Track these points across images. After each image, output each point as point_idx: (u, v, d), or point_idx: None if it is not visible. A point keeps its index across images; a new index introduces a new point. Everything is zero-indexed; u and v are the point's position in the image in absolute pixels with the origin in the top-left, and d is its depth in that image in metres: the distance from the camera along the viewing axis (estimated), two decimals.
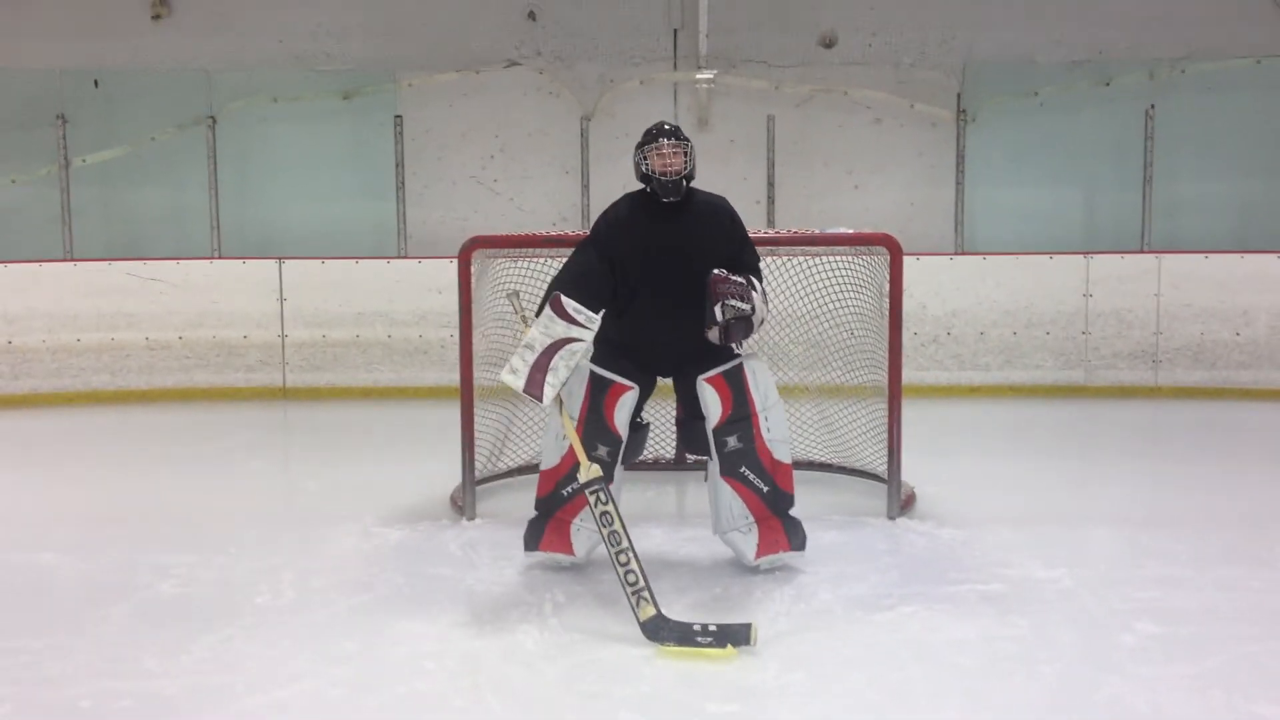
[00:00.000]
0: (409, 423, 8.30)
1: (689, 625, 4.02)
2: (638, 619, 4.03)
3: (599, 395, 4.67)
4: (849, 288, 6.11)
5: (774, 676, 3.72)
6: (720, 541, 4.84)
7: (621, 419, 4.69)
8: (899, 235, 5.70)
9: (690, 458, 5.89)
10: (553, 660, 3.85)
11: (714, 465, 4.75)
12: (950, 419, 8.29)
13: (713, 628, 3.97)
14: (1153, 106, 9.50)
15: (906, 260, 5.75)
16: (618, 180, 9.82)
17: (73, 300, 9.19)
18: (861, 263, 6.01)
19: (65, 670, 3.79)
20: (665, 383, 5.04)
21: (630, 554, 4.18)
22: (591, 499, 4.31)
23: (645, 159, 4.73)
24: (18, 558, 5.08)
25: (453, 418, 5.74)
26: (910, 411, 5.82)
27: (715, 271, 4.58)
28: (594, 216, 9.60)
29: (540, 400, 4.45)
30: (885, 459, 5.68)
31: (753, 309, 4.56)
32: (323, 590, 4.56)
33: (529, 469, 6.30)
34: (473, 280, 5.75)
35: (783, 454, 4.75)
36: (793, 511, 4.79)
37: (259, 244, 9.82)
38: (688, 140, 4.78)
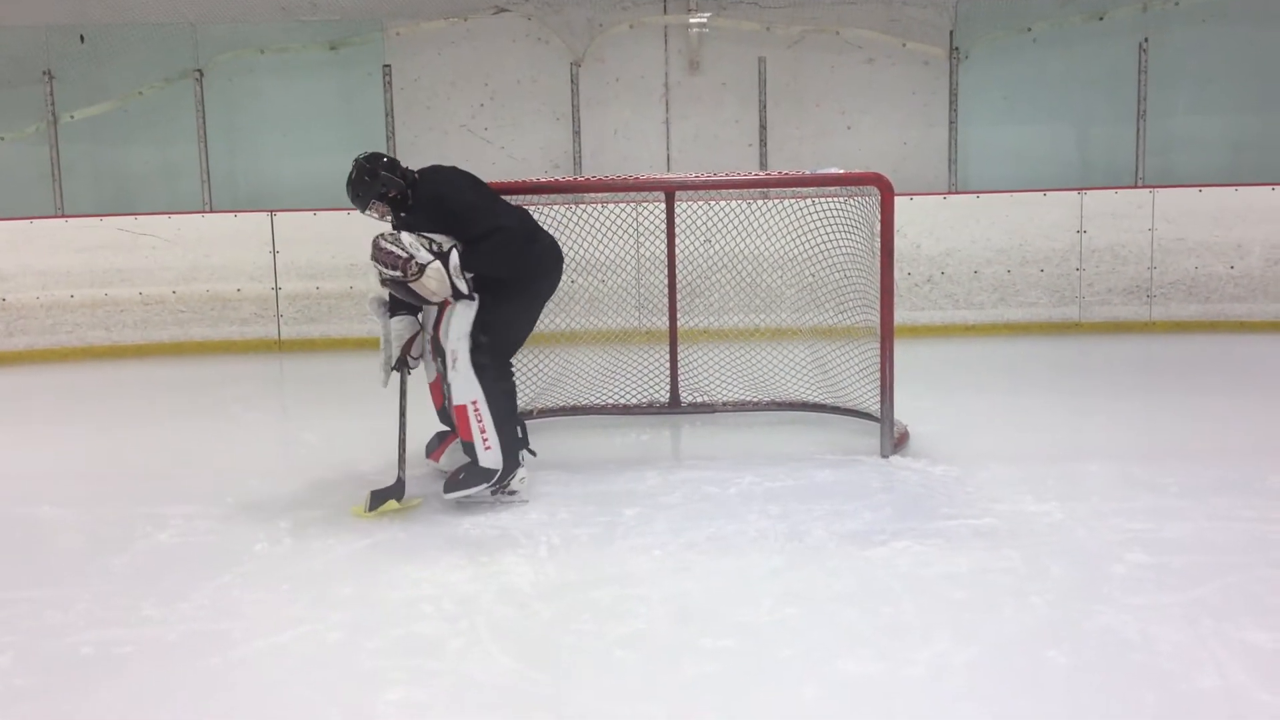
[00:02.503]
0: None
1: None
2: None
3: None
4: (842, 229, 6.10)
5: (768, 611, 3.75)
6: (707, 484, 4.98)
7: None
8: (892, 175, 5.67)
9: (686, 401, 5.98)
10: (548, 601, 3.89)
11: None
12: (945, 358, 8.31)
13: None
14: (1146, 40, 9.43)
15: (900, 200, 5.74)
16: (608, 125, 9.86)
17: (65, 256, 9.17)
18: (854, 203, 6.00)
19: (66, 619, 3.83)
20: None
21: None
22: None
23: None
24: (17, 511, 5.12)
25: None
26: (904, 351, 5.84)
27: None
28: (586, 162, 9.68)
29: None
30: (878, 398, 5.70)
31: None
32: (320, 537, 4.59)
33: (523, 415, 6.32)
34: None
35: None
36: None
37: (250, 197, 9.80)
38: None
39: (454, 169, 5.35)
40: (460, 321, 5.00)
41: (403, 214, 5.24)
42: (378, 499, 4.89)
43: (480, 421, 4.95)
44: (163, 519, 4.85)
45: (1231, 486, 4.92)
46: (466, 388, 4.99)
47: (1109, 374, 7.86)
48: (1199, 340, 8.75)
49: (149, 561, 4.40)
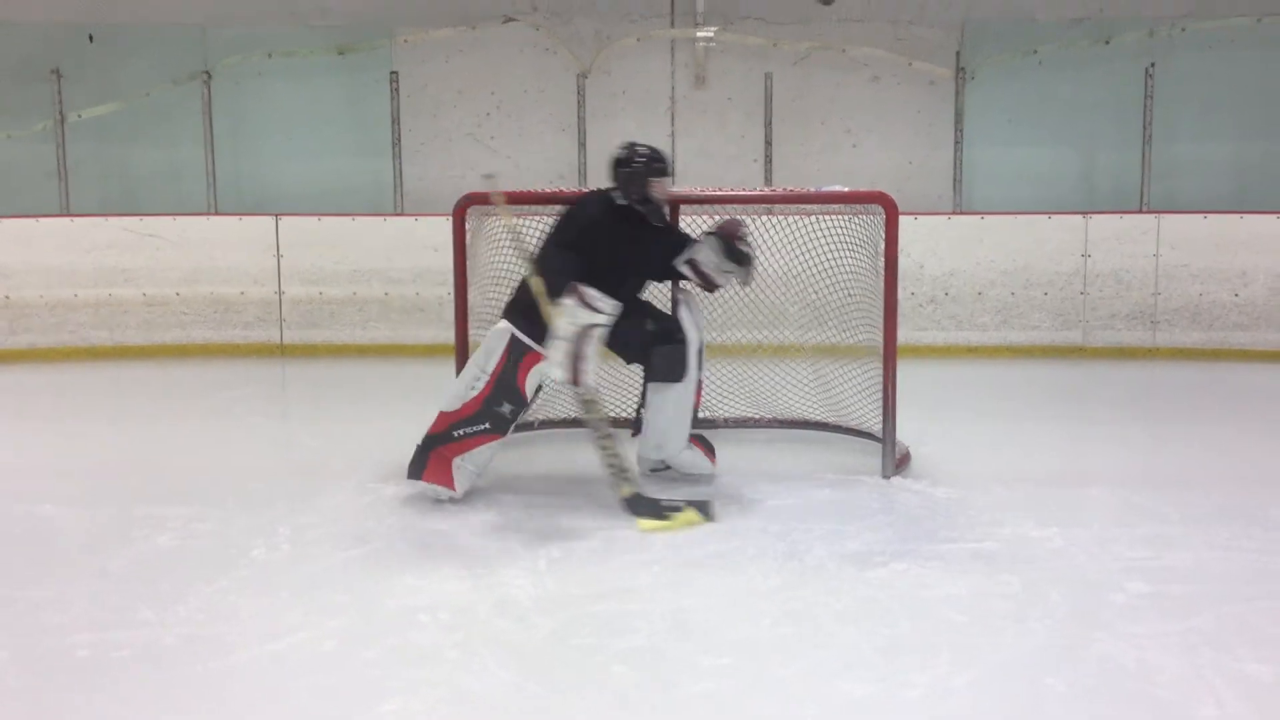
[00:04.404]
0: (405, 380, 8.30)
1: (658, 502, 4.86)
2: (618, 496, 4.83)
3: (516, 358, 5.02)
4: (846, 247, 6.09)
5: (767, 630, 3.75)
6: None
7: (531, 384, 5.07)
8: (897, 195, 5.67)
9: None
10: (546, 614, 3.88)
11: (665, 391, 5.29)
12: (947, 379, 8.31)
13: (680, 503, 4.82)
14: (1153, 65, 9.44)
15: (904, 220, 5.74)
16: (613, 138, 9.77)
17: (70, 255, 9.18)
18: (858, 222, 6.00)
19: (63, 620, 3.82)
20: None
21: (613, 440, 4.93)
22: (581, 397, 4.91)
23: (648, 185, 5.24)
24: (17, 509, 5.11)
25: (448, 376, 5.72)
26: (907, 371, 5.83)
27: (727, 219, 5.40)
28: (591, 174, 9.68)
29: (578, 385, 4.83)
30: (880, 418, 5.69)
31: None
32: (318, 544, 4.58)
33: (524, 426, 6.32)
34: (468, 237, 5.73)
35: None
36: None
37: (255, 200, 9.81)
38: None
39: (593, 203, 5.44)
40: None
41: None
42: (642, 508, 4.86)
43: None
44: (162, 521, 4.84)
45: (1232, 516, 4.91)
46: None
47: (1112, 399, 7.86)
48: (1202, 368, 8.75)
49: (147, 563, 4.39)
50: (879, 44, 9.83)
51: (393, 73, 9.75)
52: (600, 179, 9.65)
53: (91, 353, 9.17)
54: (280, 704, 3.27)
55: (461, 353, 5.70)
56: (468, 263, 5.74)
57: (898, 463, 5.63)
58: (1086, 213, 9.20)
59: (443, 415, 5.11)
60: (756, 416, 6.48)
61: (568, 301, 4.79)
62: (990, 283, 9.12)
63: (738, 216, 5.26)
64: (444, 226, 6.17)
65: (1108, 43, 9.69)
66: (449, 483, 5.07)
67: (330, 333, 9.31)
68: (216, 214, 9.55)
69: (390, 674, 3.43)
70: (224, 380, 8.32)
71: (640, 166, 5.24)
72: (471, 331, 5.77)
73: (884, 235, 5.61)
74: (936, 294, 9.15)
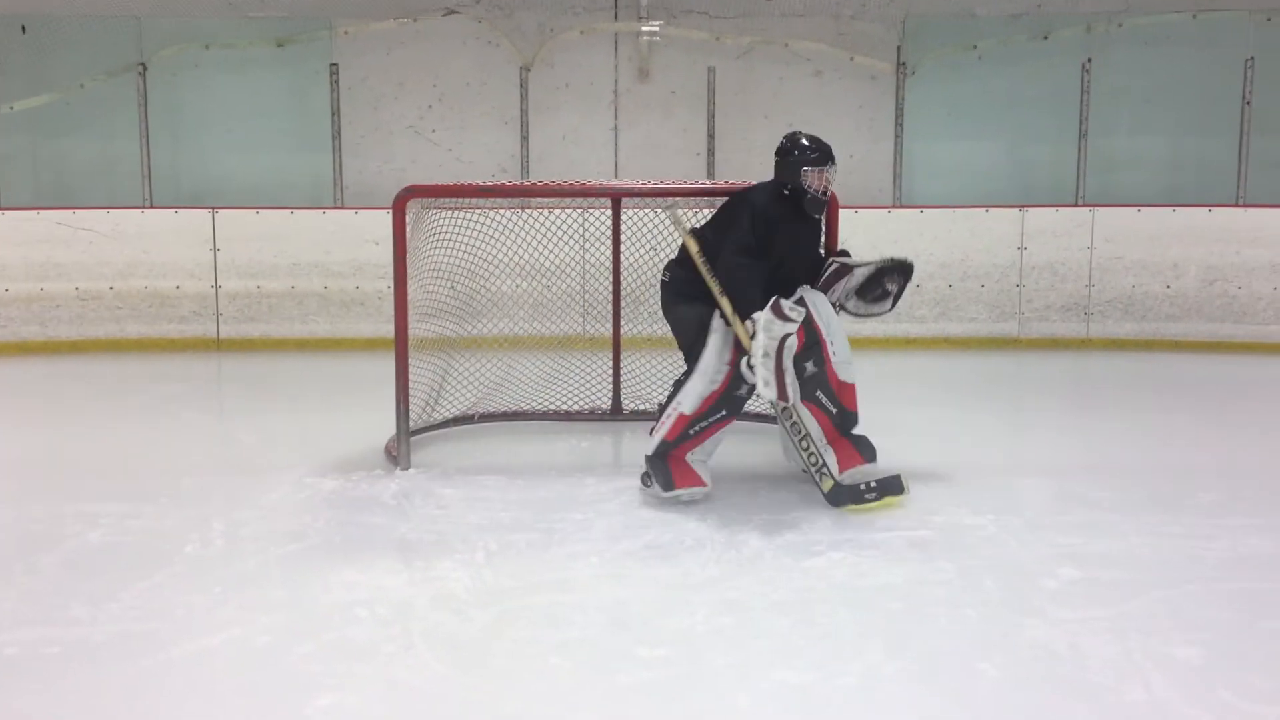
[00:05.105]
0: (345, 374, 8.25)
1: (856, 487, 4.90)
2: (822, 491, 4.92)
3: (735, 344, 5.03)
4: None
5: (703, 620, 3.76)
6: (646, 492, 4.99)
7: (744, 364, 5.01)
8: (838, 189, 5.70)
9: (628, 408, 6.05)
10: (484, 607, 3.86)
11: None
12: (885, 371, 8.35)
13: (874, 483, 4.90)
14: (1089, 60, 9.56)
15: (845, 213, 5.79)
16: (557, 131, 9.85)
17: (1, 250, 9.02)
18: None
19: None
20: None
21: (809, 440, 4.98)
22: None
23: (808, 174, 5.14)
24: None
25: (389, 370, 5.71)
26: None
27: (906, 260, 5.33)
28: (533, 167, 9.64)
29: (787, 401, 4.87)
30: None
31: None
32: (254, 539, 4.54)
33: (464, 420, 6.33)
34: (408, 230, 5.70)
35: (847, 374, 5.23)
36: (856, 430, 5.25)
37: (192, 194, 9.70)
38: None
39: (761, 192, 5.34)
40: (826, 303, 5.25)
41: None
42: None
43: None
44: (93, 518, 4.77)
45: (1163, 503, 5.00)
46: (848, 368, 5.27)
47: (1046, 390, 7.97)
48: (1134, 358, 8.88)
49: (78, 561, 4.32)
50: (821, 39, 9.88)
51: (333, 65, 9.67)
52: (542, 173, 9.71)
53: (22, 348, 9.03)
54: (214, 700, 3.24)
55: (402, 345, 5.65)
56: (408, 256, 5.70)
57: None
58: (1023, 206, 9.30)
59: (682, 418, 5.06)
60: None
61: (763, 316, 4.80)
62: (929, 275, 9.19)
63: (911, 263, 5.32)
64: (384, 220, 6.12)
65: (1046, 38, 9.80)
66: (699, 481, 5.02)
67: (268, 327, 9.22)
68: (152, 207, 9.42)
69: (326, 669, 3.40)
70: (159, 375, 8.22)
71: (797, 156, 5.18)
72: (411, 325, 5.73)
73: (825, 228, 5.63)
74: None
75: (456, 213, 6.12)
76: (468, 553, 4.38)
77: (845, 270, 5.30)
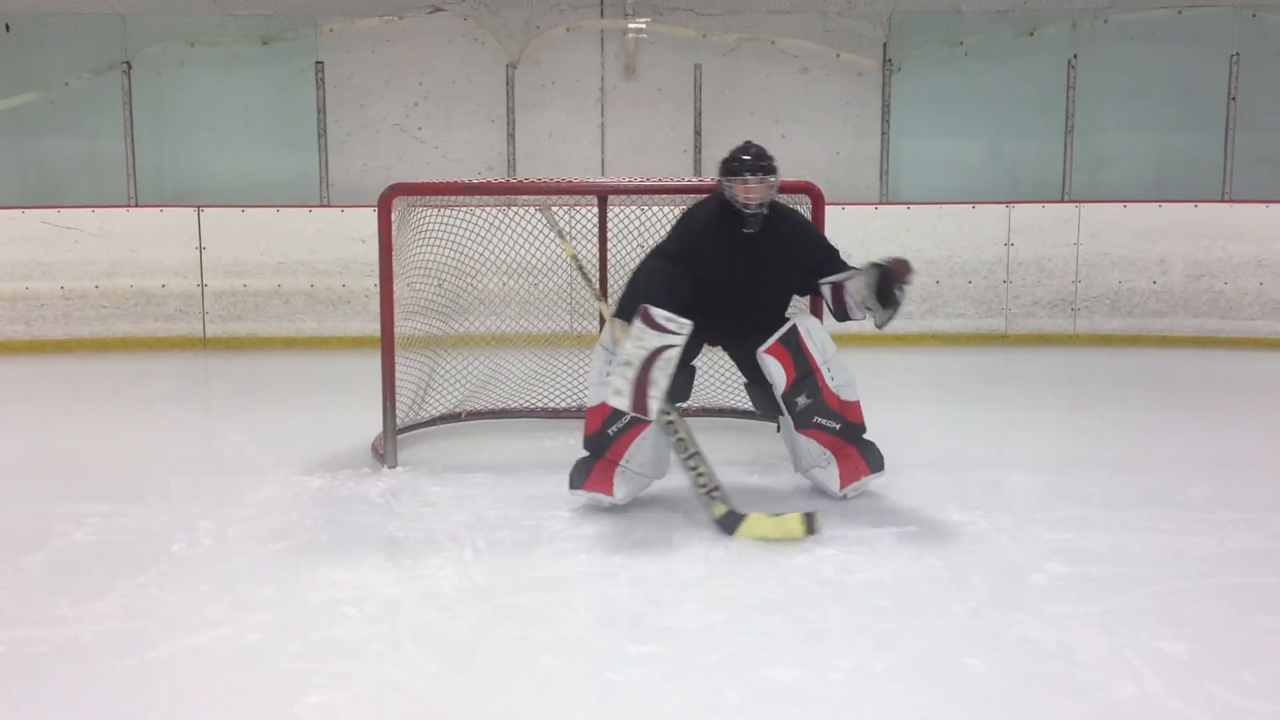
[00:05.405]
0: (332, 373, 8.23)
1: (759, 515, 4.49)
2: (712, 516, 4.54)
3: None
4: None
5: (693, 618, 3.75)
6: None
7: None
8: (825, 185, 5.72)
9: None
10: (472, 605, 3.85)
11: (786, 420, 4.96)
12: (873, 368, 8.29)
13: (781, 512, 4.49)
14: (1075, 57, 9.59)
15: (832, 210, 5.78)
16: (543, 128, 9.83)
17: None
18: None
19: None
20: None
21: (699, 459, 4.61)
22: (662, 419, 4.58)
23: (731, 186, 4.78)
24: None
25: (375, 368, 5.69)
26: None
27: (899, 259, 4.85)
28: (520, 165, 9.62)
29: (647, 417, 4.51)
30: None
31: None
32: (241, 538, 4.52)
33: (451, 418, 6.31)
34: (394, 228, 5.69)
35: (849, 394, 4.95)
36: (866, 436, 5.00)
37: (177, 193, 9.68)
38: (774, 170, 4.83)
39: (704, 204, 5.07)
40: (820, 329, 5.00)
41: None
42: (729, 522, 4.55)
43: None
44: (80, 517, 4.74)
45: (1151, 498, 5.00)
46: (851, 389, 4.99)
47: (1034, 386, 7.98)
48: (1121, 354, 8.90)
49: (65, 560, 4.30)
50: (808, 36, 9.88)
51: (318, 63, 9.65)
52: (528, 170, 9.69)
53: (8, 347, 8.99)
54: (202, 699, 3.23)
55: (388, 343, 5.64)
56: (394, 254, 5.69)
57: None
58: (1010, 202, 9.32)
59: (592, 413, 4.82)
60: (684, 406, 6.47)
61: (635, 324, 4.49)
62: (916, 271, 9.15)
63: (906, 259, 4.85)
64: (371, 218, 6.11)
65: (1031, 34, 9.82)
66: (608, 489, 4.74)
67: (254, 325, 9.19)
68: (137, 206, 9.39)
69: (314, 667, 3.39)
70: (145, 374, 8.18)
71: (721, 166, 4.88)
72: (398, 323, 5.72)
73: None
74: None
75: (443, 210, 6.11)
76: (456, 551, 4.37)
77: (839, 287, 4.97)
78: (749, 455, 5.74)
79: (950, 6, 9.80)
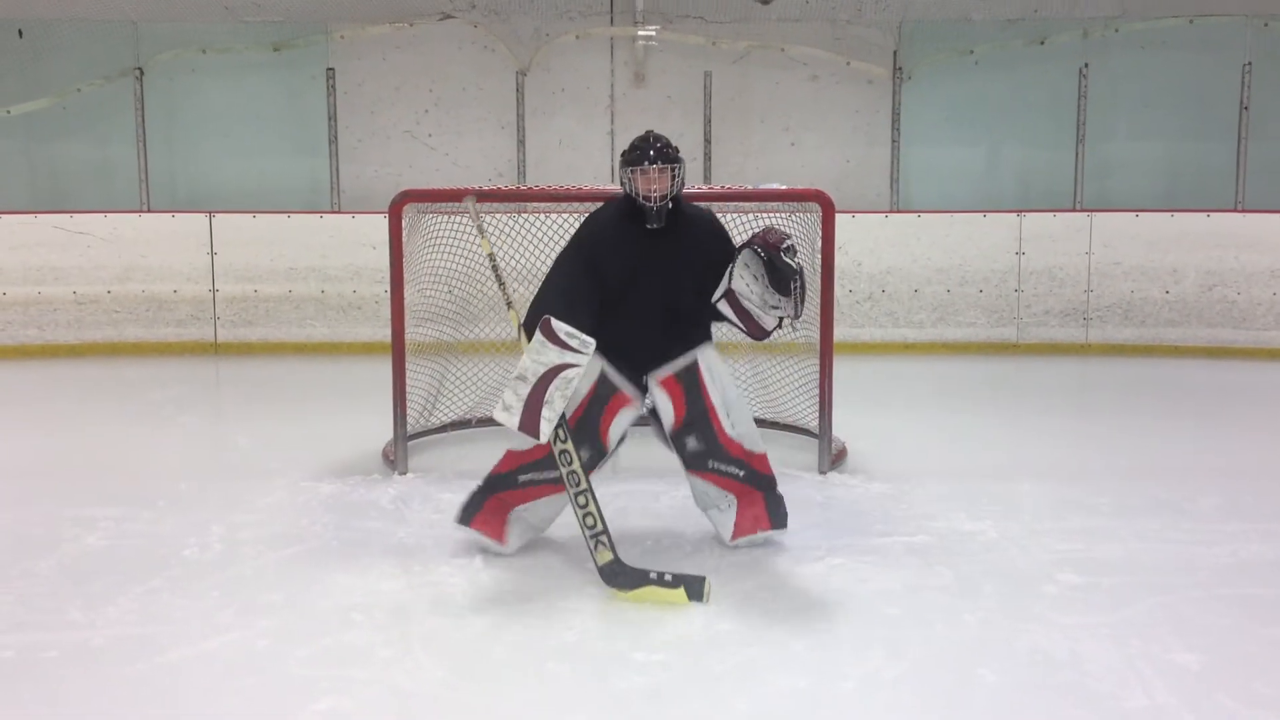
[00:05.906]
0: (342, 378, 8.25)
1: (645, 571, 4.02)
2: (595, 563, 4.07)
3: (601, 401, 4.37)
4: None
5: (702, 627, 3.75)
6: (642, 497, 4.93)
7: (615, 432, 4.41)
8: (834, 193, 5.71)
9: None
10: (481, 612, 3.86)
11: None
12: (884, 375, 8.37)
13: (669, 576, 3.96)
14: (1086, 65, 9.57)
15: (842, 218, 5.78)
16: (553, 136, 9.84)
17: None
18: (795, 219, 6.01)
19: None
20: None
21: (589, 497, 4.12)
22: (552, 435, 4.09)
23: (630, 179, 4.33)
24: None
25: (386, 374, 5.71)
26: (844, 368, 5.88)
27: (765, 228, 4.45)
28: (530, 172, 9.62)
29: (537, 438, 4.07)
30: (817, 414, 5.71)
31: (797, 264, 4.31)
32: (251, 543, 4.53)
33: (461, 425, 6.32)
34: (404, 234, 5.70)
35: (753, 445, 4.50)
36: (779, 490, 4.57)
37: (188, 198, 9.71)
38: (678, 160, 4.36)
39: (607, 204, 4.68)
40: (723, 369, 4.54)
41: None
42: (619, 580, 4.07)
43: None
44: (91, 521, 4.76)
45: (1162, 508, 4.99)
46: (755, 440, 4.53)
47: (1045, 395, 7.95)
48: (1133, 363, 8.87)
49: (76, 564, 4.32)
50: (817, 43, 9.87)
51: (329, 69, 9.66)
52: (538, 177, 9.70)
53: (21, 351, 9.01)
54: (211, 704, 3.24)
55: (399, 349, 5.66)
56: (405, 260, 5.70)
57: (834, 458, 5.67)
58: (1021, 211, 9.29)
59: (510, 455, 4.45)
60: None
61: (536, 337, 4.09)
62: (926, 280, 9.19)
63: (777, 226, 4.31)
64: (381, 225, 6.13)
65: (1042, 43, 9.80)
66: (499, 535, 4.37)
67: (265, 331, 9.20)
68: (149, 211, 9.41)
69: (323, 673, 3.39)
70: (156, 379, 8.19)
71: (621, 158, 4.41)
72: (409, 330, 5.73)
73: (820, 233, 5.64)
74: (874, 291, 9.20)
75: (453, 217, 6.11)
76: (465, 557, 4.37)
77: (733, 298, 4.36)
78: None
79: (961, 15, 9.78)
